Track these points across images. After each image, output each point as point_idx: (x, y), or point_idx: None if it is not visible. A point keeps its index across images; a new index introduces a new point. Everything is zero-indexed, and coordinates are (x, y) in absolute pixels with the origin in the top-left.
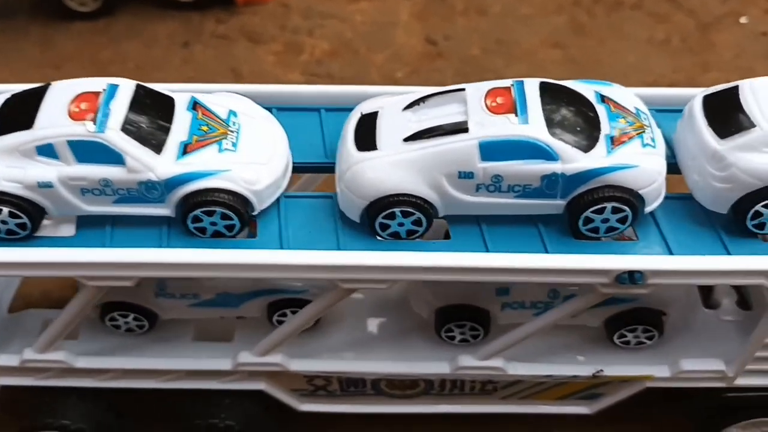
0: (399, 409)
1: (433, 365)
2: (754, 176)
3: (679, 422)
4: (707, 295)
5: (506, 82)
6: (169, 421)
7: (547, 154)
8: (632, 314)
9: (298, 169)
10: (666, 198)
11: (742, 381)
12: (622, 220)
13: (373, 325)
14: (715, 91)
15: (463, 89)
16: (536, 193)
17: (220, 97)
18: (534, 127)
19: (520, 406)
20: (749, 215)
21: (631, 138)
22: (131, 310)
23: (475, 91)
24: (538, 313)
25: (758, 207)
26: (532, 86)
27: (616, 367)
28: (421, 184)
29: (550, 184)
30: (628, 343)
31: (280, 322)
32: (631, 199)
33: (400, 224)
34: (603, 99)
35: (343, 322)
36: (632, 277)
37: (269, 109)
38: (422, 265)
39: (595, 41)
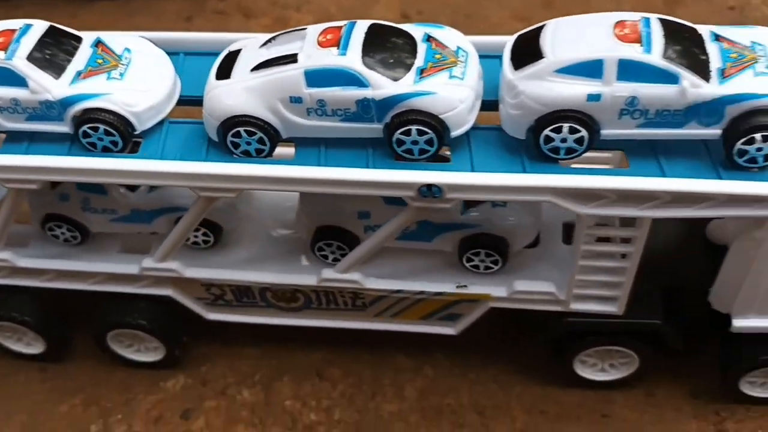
0: (287, 322)
1: (300, 277)
2: (540, 102)
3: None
4: (569, 232)
5: (342, 23)
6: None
7: (360, 82)
8: (476, 239)
9: (192, 101)
10: (485, 128)
11: (577, 306)
12: (429, 143)
13: (267, 244)
14: (527, 30)
15: (305, 28)
16: (356, 117)
17: (125, 38)
18: (350, 58)
19: (390, 323)
20: (541, 140)
21: (439, 70)
22: (64, 221)
23: (315, 29)
24: (399, 238)
25: (547, 131)
26: (361, 26)
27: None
28: (262, 107)
29: (365, 108)
30: (477, 267)
31: (187, 238)
32: (433, 122)
33: (248, 143)
34: (429, 38)
35: (243, 242)
36: (431, 190)
37: (178, 53)
38: (253, 174)
39: (562, 14)
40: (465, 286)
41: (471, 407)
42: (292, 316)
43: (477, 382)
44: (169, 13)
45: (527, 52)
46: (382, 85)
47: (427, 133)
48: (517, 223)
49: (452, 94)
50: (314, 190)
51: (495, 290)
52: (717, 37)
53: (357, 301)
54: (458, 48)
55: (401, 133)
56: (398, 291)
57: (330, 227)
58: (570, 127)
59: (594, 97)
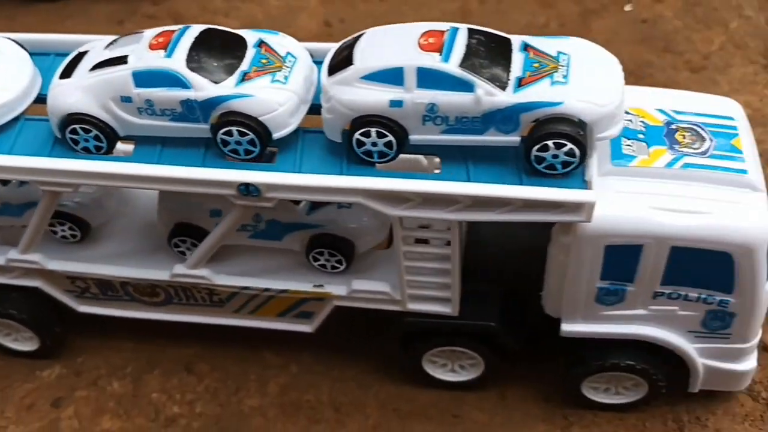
0: (153, 316)
1: (153, 272)
2: (348, 107)
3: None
4: None
5: (176, 27)
6: None
7: (182, 83)
8: (321, 239)
9: None
10: (316, 131)
11: (413, 306)
12: (252, 143)
13: (135, 240)
14: (349, 38)
15: (143, 32)
16: (182, 117)
17: None
18: (174, 60)
19: (250, 320)
20: (354, 143)
21: (262, 74)
22: None
23: (151, 33)
24: (251, 236)
25: (357, 135)
26: (193, 30)
27: (304, 284)
28: (96, 106)
29: (190, 109)
30: (324, 266)
31: (55, 232)
32: (252, 124)
33: (86, 140)
34: (260, 44)
35: (113, 237)
36: (249, 188)
37: (48, 54)
38: (78, 170)
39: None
40: (322, 285)
41: (329, 404)
42: (158, 311)
43: (338, 380)
44: (101, 17)
45: (342, 59)
46: (203, 87)
47: (247, 134)
48: (362, 225)
49: (271, 97)
50: (141, 187)
51: (336, 289)
52: (526, 47)
53: (214, 297)
54: (288, 54)
55: (224, 134)
56: (246, 288)
57: (185, 224)
58: (377, 131)
59: (396, 103)
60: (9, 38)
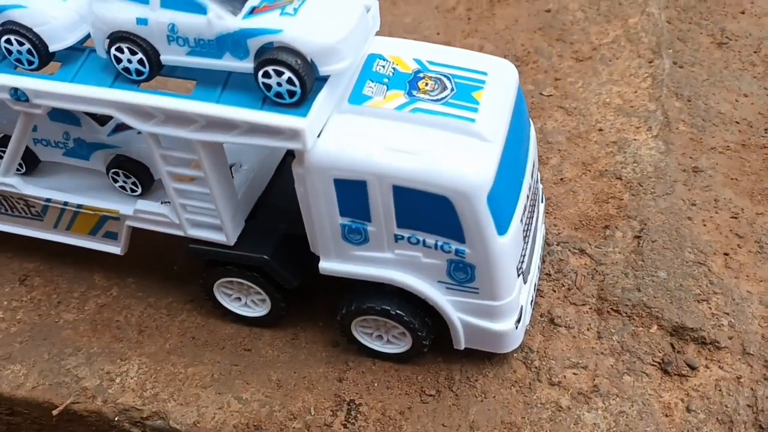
0: None
1: None
2: (102, 22)
3: None
4: None
5: None
6: None
7: None
8: (118, 160)
9: None
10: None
11: (193, 232)
12: (30, 52)
13: None
14: None
15: None
16: None
17: None
18: None
19: (65, 236)
20: (112, 59)
21: None
22: None
23: None
24: (63, 154)
25: (113, 51)
26: None
27: (97, 201)
28: None
29: None
30: (125, 188)
31: None
32: (27, 34)
33: None
34: None
35: None
36: (17, 93)
37: None
38: None
39: (389, 3)
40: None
41: (136, 325)
42: None
43: (151, 306)
44: None
45: None
46: None
47: (24, 43)
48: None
49: (45, 10)
50: None
51: (123, 208)
52: None
53: (31, 209)
54: None
55: (5, 42)
56: (48, 200)
57: (5, 137)
58: (128, 48)
59: (142, 21)
60: None
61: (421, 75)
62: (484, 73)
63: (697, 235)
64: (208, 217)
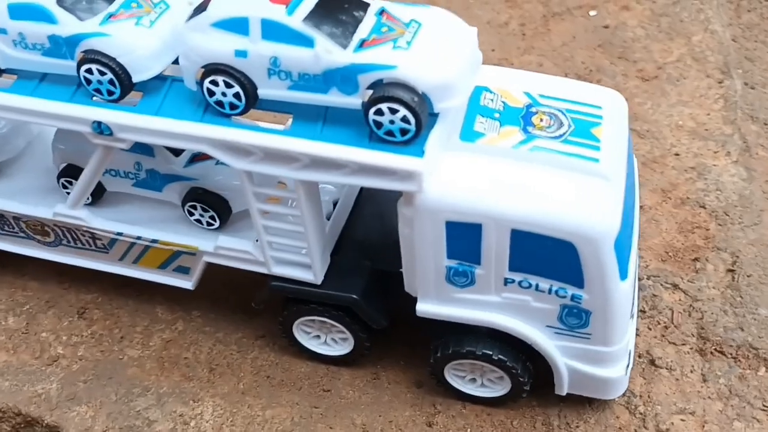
0: (45, 256)
1: (37, 208)
2: (198, 54)
3: None
4: None
5: None
6: None
7: (50, 18)
8: (195, 193)
9: None
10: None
11: (278, 270)
12: (112, 83)
13: (37, 177)
14: None
15: None
16: (51, 52)
17: None
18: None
19: (133, 270)
20: (204, 91)
21: (128, 17)
22: None
23: None
24: (134, 184)
25: (207, 84)
26: None
27: (173, 235)
28: None
29: (56, 44)
30: (200, 222)
31: None
32: (110, 63)
33: None
34: None
35: (18, 174)
36: (101, 127)
37: None
38: None
39: None
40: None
41: (206, 363)
42: (49, 251)
43: (220, 341)
44: None
45: (201, 6)
46: (67, 23)
47: (106, 73)
48: (238, 184)
49: (131, 39)
50: (5, 117)
51: (202, 244)
52: (382, 12)
53: (97, 242)
54: (162, 1)
55: (86, 72)
56: (120, 234)
57: (74, 166)
58: (224, 81)
59: (241, 53)
60: None
61: (534, 110)
62: (599, 107)
63: None
64: (294, 254)
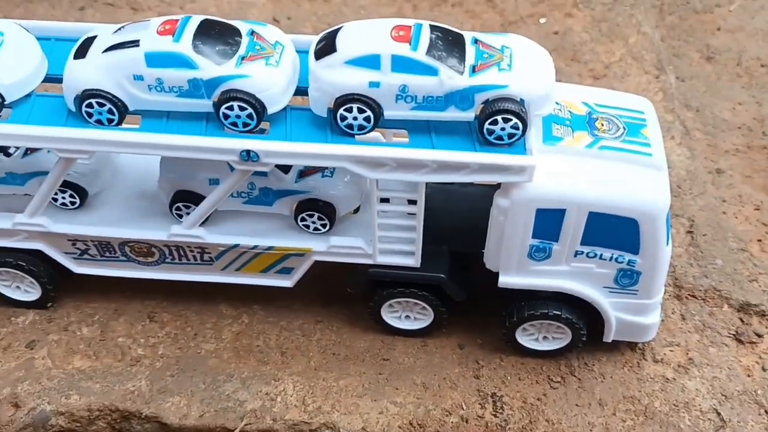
0: (146, 275)
1: (153, 232)
2: (333, 87)
3: None
4: None
5: (179, 17)
6: None
7: (190, 64)
8: (309, 203)
9: (56, 79)
10: (300, 108)
11: (382, 259)
12: (250, 117)
13: (128, 206)
14: (329, 30)
15: (149, 20)
16: (188, 94)
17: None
18: (182, 44)
19: (234, 277)
20: (338, 118)
21: (258, 58)
22: None
23: (157, 21)
24: (245, 202)
25: (341, 111)
26: (195, 20)
27: (288, 241)
28: (110, 82)
29: (195, 86)
30: (308, 227)
31: (56, 199)
32: (251, 100)
33: (99, 113)
34: (252, 33)
35: (108, 204)
36: (249, 154)
37: (49, 38)
38: (100, 138)
39: None
40: None
41: (277, 348)
42: (151, 270)
43: (285, 329)
44: (64, 3)
45: (326, 47)
46: (208, 68)
47: (246, 108)
48: (343, 192)
49: (267, 77)
50: (153, 153)
51: (316, 245)
52: (476, 41)
53: (204, 255)
54: (276, 42)
55: (226, 108)
56: (236, 245)
57: (186, 191)
58: (358, 108)
59: (374, 84)
60: (16, 23)
61: (595, 117)
62: (641, 112)
63: (734, 226)
64: (400, 245)
